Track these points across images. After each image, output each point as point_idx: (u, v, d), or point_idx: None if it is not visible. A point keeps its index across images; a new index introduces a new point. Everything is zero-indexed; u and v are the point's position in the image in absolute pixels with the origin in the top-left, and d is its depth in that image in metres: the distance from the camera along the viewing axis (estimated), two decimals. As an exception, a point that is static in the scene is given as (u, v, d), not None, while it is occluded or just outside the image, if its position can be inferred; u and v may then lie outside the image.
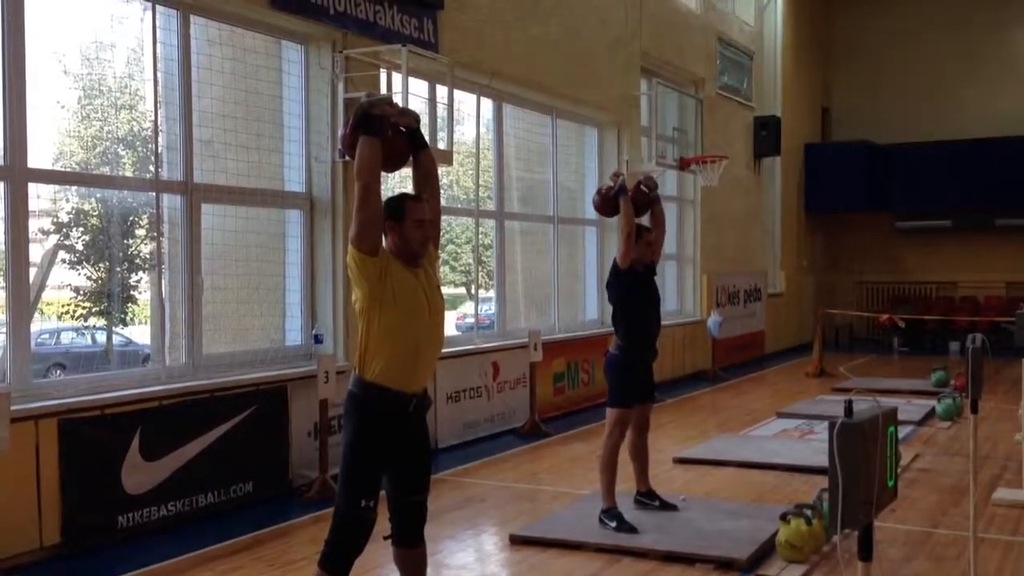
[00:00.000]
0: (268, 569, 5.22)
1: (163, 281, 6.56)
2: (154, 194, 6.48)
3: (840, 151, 18.95)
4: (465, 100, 9.49)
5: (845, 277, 19.85)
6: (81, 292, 6.70)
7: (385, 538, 3.88)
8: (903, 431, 8.47)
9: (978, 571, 4.19)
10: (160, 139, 6.47)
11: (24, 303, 5.57)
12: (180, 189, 6.55)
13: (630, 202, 5.70)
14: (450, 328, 11.26)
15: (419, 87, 7.86)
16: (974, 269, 18.62)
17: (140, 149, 6.73)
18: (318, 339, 7.41)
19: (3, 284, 5.52)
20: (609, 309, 6.03)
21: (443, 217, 4.25)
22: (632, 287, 5.72)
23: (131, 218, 6.81)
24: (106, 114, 6.68)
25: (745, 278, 15.80)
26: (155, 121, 6.39)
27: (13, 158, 5.49)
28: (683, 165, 12.61)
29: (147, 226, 6.79)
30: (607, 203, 5.82)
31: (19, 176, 5.51)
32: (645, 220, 5.97)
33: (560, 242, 11.36)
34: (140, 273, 7.01)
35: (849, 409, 2.10)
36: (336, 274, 7.53)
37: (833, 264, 20.08)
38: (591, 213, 12.09)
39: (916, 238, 19.17)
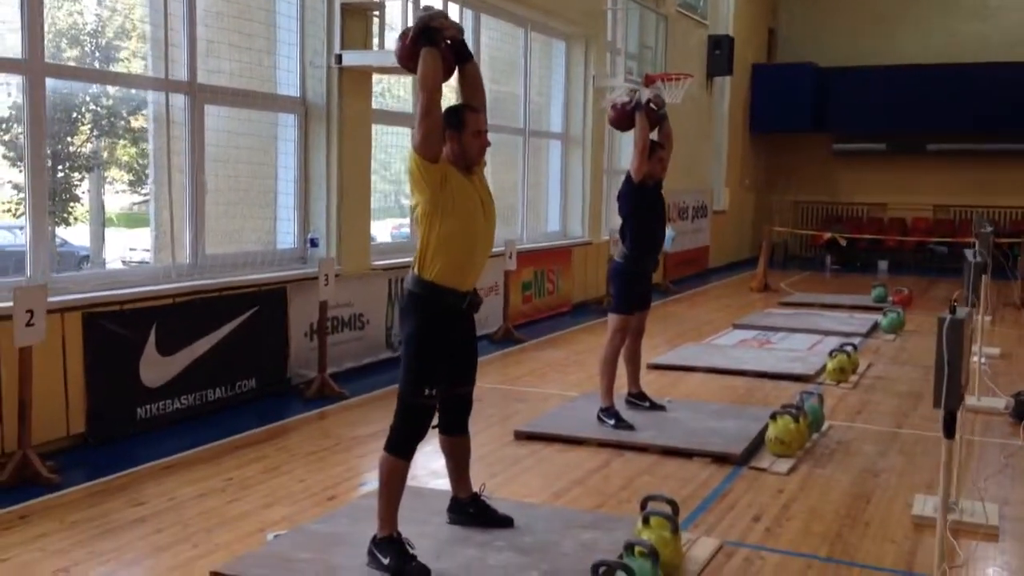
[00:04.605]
0: (292, 458, 5.50)
1: (169, 180, 6.60)
2: (163, 93, 6.45)
3: (785, 72, 19.40)
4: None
5: (782, 196, 20.51)
6: (20, 189, 6.58)
7: (433, 427, 4.20)
8: (855, 341, 9.06)
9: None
10: (168, 38, 6.41)
11: (44, 198, 5.60)
12: (185, 89, 6.54)
13: (645, 117, 5.94)
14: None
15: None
16: (904, 191, 19.44)
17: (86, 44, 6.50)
18: (314, 243, 7.55)
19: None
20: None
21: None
22: (643, 201, 6.00)
23: (73, 115, 6.67)
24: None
25: (694, 195, 16.27)
26: (165, 20, 6.33)
27: (32, 52, 5.43)
28: (647, 82, 12.78)
29: (91, 124, 6.64)
30: (623, 117, 6.03)
31: (37, 70, 5.47)
32: (654, 136, 6.22)
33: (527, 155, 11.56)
34: (82, 172, 6.88)
35: (953, 308, 2.47)
36: (330, 180, 7.64)
37: (772, 183, 20.71)
38: (557, 127, 12.31)
39: (851, 160, 19.86)
